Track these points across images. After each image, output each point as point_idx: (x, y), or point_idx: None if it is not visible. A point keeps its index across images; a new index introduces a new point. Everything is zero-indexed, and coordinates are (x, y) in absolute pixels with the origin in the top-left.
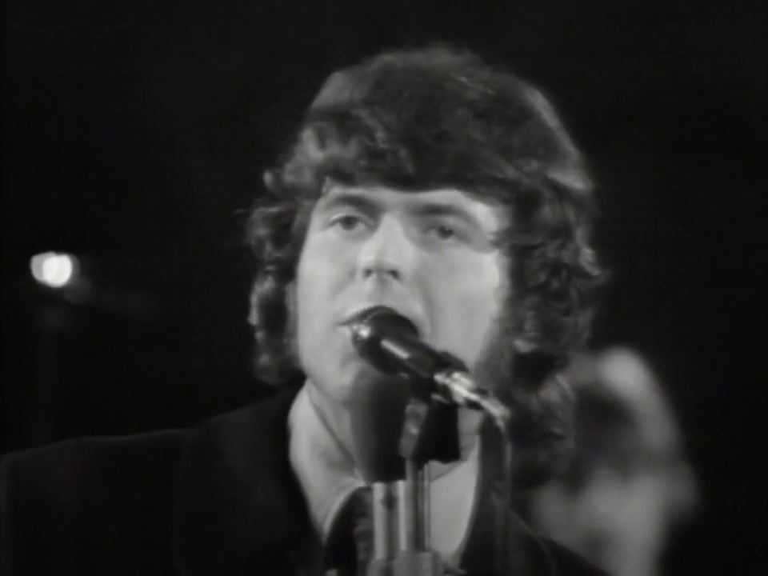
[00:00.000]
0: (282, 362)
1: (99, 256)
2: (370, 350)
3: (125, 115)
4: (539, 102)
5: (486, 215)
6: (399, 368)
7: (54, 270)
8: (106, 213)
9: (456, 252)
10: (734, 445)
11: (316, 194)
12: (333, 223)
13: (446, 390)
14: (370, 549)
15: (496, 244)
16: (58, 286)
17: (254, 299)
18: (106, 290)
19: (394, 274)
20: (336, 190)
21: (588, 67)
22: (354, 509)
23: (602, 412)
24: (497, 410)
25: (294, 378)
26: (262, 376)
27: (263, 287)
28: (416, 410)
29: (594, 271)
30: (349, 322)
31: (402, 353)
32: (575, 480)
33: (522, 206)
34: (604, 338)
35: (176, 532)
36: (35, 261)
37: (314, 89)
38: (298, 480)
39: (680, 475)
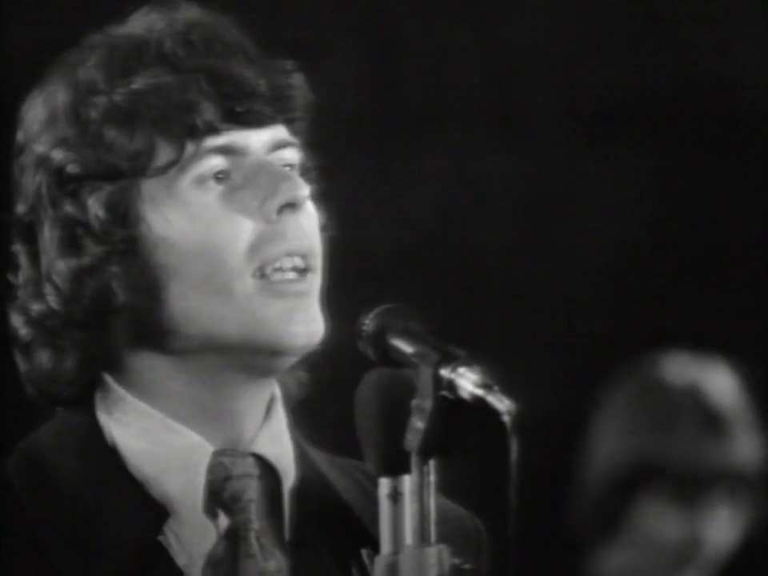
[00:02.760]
0: (88, 357)
1: None
2: (375, 344)
3: None
4: None
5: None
6: (404, 362)
7: None
8: None
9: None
10: None
11: (171, 160)
12: (201, 182)
13: (451, 385)
14: (246, 509)
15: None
16: None
17: (68, 278)
18: None
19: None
20: (206, 143)
21: (588, 67)
22: (217, 475)
23: (700, 419)
24: (502, 405)
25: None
26: (56, 389)
27: (82, 262)
28: (421, 404)
29: None
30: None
31: (407, 347)
32: (683, 487)
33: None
34: (695, 342)
35: (42, 560)
36: None
37: None
38: (142, 468)
39: (761, 493)
